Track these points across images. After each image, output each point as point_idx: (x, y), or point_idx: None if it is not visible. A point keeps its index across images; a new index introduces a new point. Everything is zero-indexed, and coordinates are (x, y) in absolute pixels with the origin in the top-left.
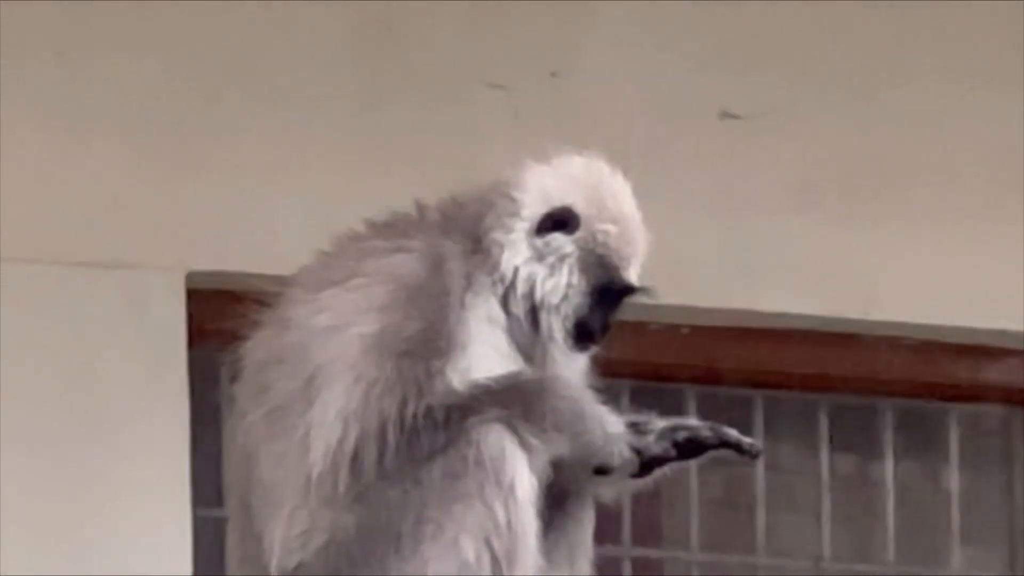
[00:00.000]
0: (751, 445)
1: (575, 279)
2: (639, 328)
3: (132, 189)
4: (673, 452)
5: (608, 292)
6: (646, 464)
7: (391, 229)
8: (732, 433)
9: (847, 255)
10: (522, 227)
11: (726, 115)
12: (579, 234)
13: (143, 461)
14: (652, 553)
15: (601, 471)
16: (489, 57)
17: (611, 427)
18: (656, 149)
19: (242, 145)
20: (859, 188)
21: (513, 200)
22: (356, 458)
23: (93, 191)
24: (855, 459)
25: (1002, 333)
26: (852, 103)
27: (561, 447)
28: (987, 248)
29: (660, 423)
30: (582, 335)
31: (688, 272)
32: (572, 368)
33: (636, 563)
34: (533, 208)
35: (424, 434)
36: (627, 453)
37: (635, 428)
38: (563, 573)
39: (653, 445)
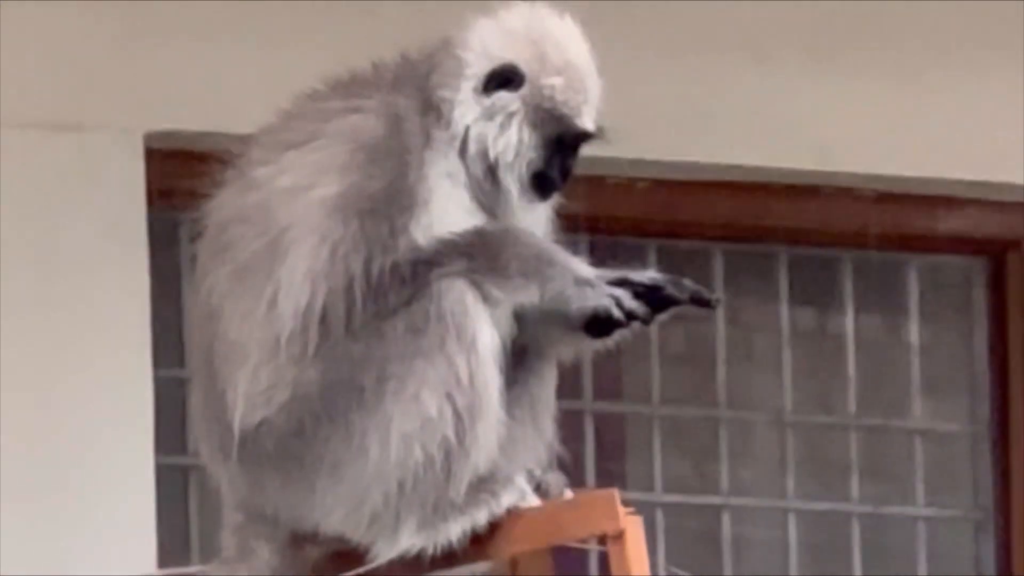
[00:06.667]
0: (712, 296)
1: (526, 135)
2: (597, 182)
3: (90, 50)
4: (648, 312)
5: (563, 142)
6: (621, 315)
7: (348, 89)
8: (692, 286)
9: (804, 106)
10: (468, 86)
11: None
12: (524, 90)
13: (103, 323)
14: (613, 407)
15: (588, 326)
16: None
17: (583, 273)
18: (612, 2)
19: (200, 3)
20: (816, 39)
21: (457, 59)
22: (324, 317)
23: (51, 53)
24: (815, 312)
25: (960, 183)
26: None
27: (530, 295)
28: (944, 98)
29: (627, 275)
30: (542, 185)
31: (646, 125)
32: (534, 220)
33: (597, 417)
34: (477, 66)
35: (390, 291)
36: (605, 299)
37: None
38: (525, 427)
39: (628, 299)
